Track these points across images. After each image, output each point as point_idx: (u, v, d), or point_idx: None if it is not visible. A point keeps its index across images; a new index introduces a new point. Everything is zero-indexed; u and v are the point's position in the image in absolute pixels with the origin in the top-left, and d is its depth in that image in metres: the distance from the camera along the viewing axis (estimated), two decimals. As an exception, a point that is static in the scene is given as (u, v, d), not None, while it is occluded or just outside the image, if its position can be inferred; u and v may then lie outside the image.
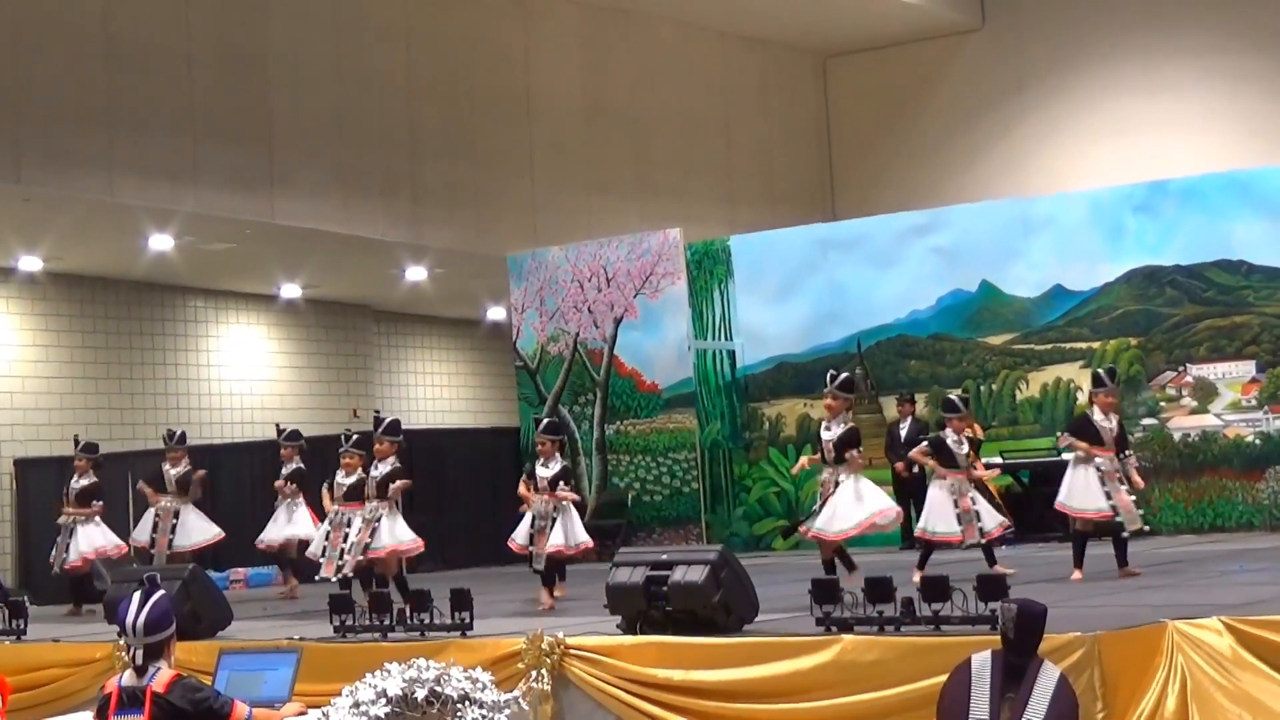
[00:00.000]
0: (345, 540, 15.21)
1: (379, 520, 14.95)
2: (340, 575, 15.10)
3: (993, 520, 14.28)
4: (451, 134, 23.57)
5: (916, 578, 12.10)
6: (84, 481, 17.60)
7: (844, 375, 14.58)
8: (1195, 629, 9.14)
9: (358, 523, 15.17)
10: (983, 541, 14.21)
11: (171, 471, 18.12)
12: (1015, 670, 7.75)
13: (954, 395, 15.58)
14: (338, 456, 15.73)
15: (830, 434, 14.24)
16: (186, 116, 20.43)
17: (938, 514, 14.31)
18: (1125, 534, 13.80)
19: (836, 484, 14.09)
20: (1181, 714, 8.88)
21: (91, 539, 17.51)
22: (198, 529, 18.10)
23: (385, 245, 23.20)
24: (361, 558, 14.93)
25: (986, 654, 7.90)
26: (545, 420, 15.75)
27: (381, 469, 15.06)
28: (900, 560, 15.40)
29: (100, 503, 17.74)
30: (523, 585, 15.85)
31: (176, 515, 17.98)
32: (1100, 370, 14.82)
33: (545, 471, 14.70)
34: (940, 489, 14.38)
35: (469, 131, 23.81)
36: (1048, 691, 7.64)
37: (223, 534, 18.38)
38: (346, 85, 22.27)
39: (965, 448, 14.49)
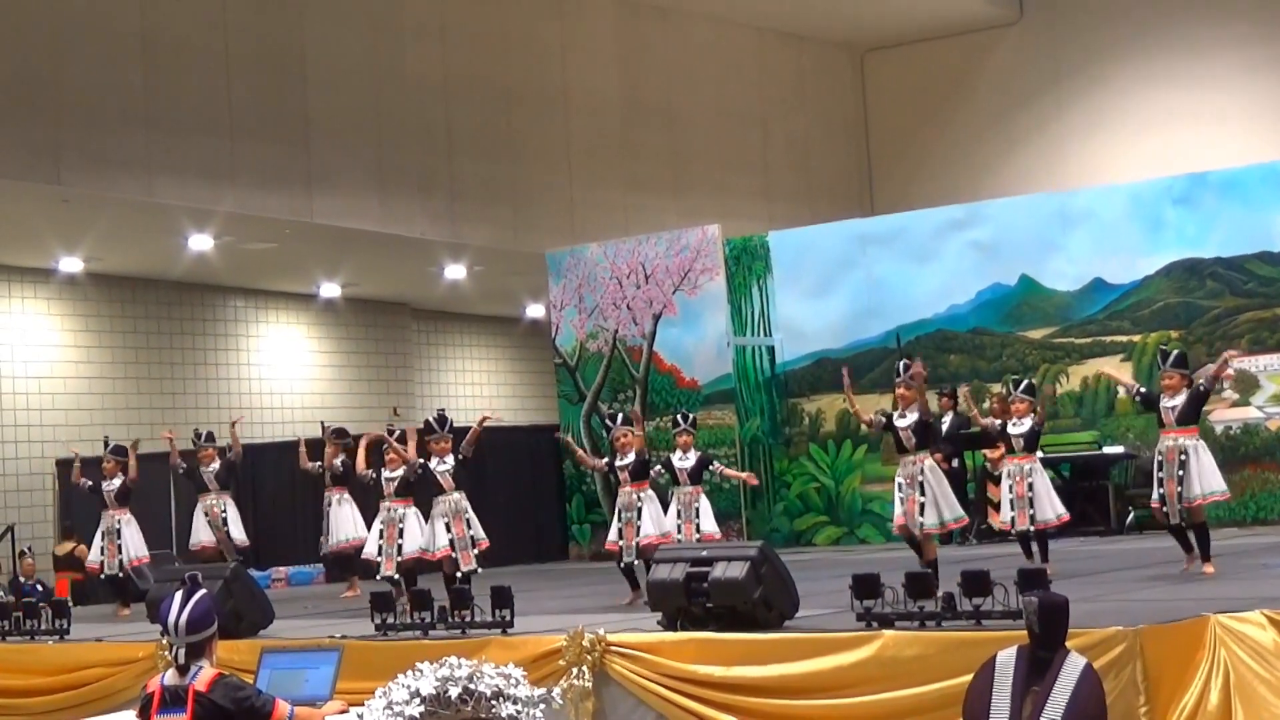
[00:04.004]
0: (401, 537, 15.21)
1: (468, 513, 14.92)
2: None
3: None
4: (489, 132, 23.59)
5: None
6: (117, 482, 17.58)
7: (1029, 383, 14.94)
8: (1238, 622, 9.09)
9: (412, 519, 15.20)
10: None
11: (208, 470, 18.13)
12: (1041, 664, 7.73)
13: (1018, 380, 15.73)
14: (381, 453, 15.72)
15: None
16: (224, 116, 20.49)
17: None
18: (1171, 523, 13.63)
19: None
20: (1225, 708, 8.84)
21: (137, 543, 17.54)
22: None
23: (424, 243, 23.23)
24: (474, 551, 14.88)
25: (1013, 650, 7.88)
26: (619, 415, 15.89)
27: (449, 461, 15.00)
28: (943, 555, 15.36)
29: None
30: (563, 583, 15.85)
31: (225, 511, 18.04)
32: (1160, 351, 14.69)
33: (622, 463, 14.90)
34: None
35: (506, 129, 23.83)
36: (1071, 682, 7.60)
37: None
38: (384, 84, 22.31)
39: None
